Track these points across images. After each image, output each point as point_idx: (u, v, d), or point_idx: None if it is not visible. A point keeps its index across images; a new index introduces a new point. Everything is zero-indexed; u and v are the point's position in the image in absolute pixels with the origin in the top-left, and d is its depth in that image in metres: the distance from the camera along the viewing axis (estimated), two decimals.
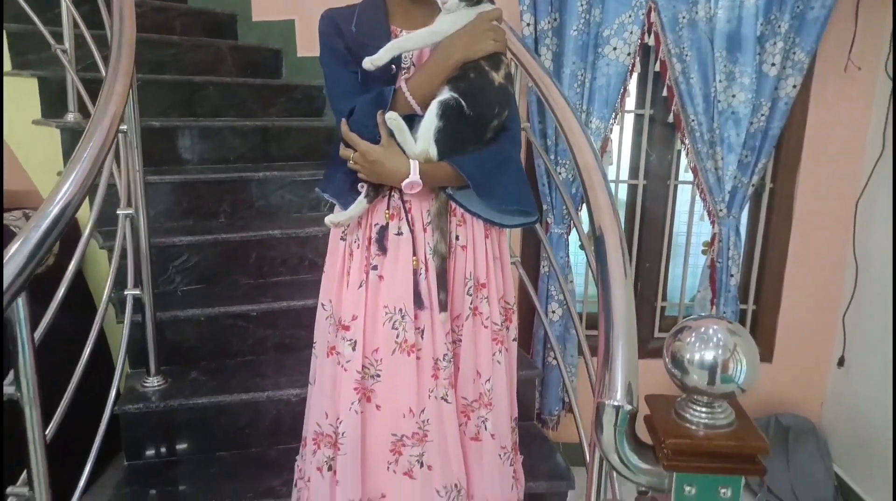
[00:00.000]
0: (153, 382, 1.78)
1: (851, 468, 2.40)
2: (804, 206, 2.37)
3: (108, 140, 1.24)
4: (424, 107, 1.18)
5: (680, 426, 0.80)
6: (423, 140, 1.17)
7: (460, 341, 1.30)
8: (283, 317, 1.93)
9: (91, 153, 1.19)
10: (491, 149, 1.23)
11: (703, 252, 2.39)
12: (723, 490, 0.79)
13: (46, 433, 1.12)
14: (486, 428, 1.33)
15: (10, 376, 1.08)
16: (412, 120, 1.20)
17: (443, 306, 1.25)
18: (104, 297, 1.63)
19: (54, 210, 1.05)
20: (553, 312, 2.36)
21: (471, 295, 1.28)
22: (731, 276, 2.31)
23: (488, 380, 1.32)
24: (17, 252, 0.98)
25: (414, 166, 1.16)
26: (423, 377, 1.26)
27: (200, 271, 2.03)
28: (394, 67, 1.20)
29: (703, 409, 0.80)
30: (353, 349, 1.26)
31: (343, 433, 1.27)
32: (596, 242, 1.11)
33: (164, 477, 1.68)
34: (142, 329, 1.78)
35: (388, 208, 1.24)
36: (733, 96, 2.20)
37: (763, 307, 2.52)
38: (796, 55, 2.16)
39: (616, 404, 0.83)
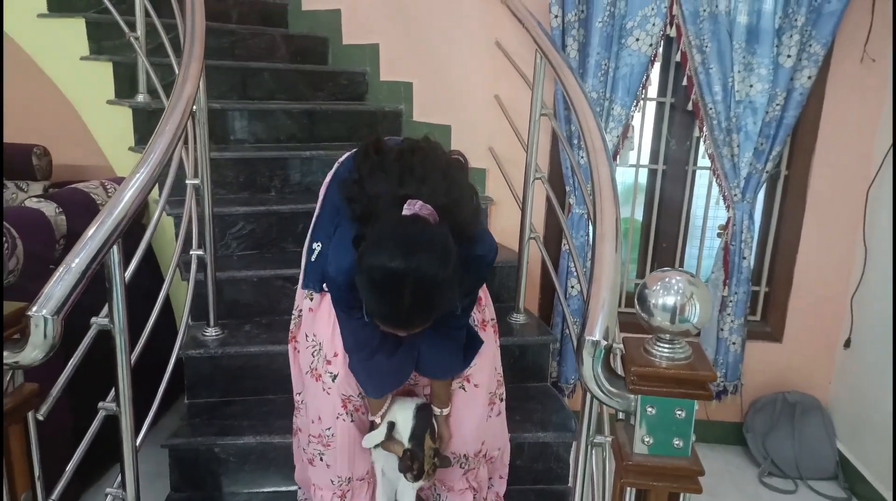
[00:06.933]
0: (212, 332, 2.02)
1: (853, 443, 2.51)
2: (817, 192, 2.48)
3: (184, 118, 1.47)
4: None
5: (645, 358, 0.98)
6: None
7: None
8: None
9: (170, 129, 1.42)
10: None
11: (719, 235, 2.52)
12: (678, 412, 0.96)
13: (132, 357, 1.37)
14: None
15: (104, 310, 1.32)
16: None
17: None
18: (174, 257, 1.88)
19: (144, 174, 1.28)
20: (572, 287, 2.53)
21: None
22: (744, 258, 2.44)
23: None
24: (116, 203, 1.22)
25: None
26: None
27: (254, 238, 2.27)
28: None
29: (666, 345, 0.98)
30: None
31: None
32: (594, 208, 1.30)
33: (219, 414, 1.93)
34: (203, 287, 2.02)
35: None
36: (751, 86, 2.32)
37: (775, 289, 2.64)
38: (812, 48, 2.27)
39: (594, 339, 1.01)
